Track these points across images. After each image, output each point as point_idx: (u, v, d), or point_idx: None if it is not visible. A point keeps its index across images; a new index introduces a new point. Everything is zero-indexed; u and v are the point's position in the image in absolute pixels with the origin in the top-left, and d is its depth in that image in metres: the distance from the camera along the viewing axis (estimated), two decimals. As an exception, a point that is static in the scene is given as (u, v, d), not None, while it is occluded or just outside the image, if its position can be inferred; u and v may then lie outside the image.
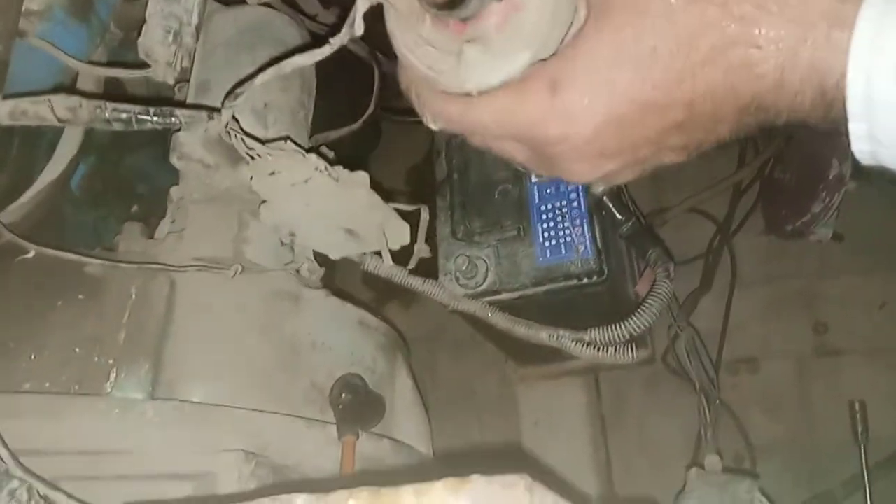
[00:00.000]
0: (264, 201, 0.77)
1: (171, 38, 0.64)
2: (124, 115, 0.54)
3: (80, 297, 0.74)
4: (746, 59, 0.39)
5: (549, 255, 0.98)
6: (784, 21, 0.38)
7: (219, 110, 0.58)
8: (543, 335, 0.87)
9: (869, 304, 1.39)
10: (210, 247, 0.80)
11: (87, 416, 0.67)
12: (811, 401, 1.38)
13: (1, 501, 0.55)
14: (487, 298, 0.97)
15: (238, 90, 0.57)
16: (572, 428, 1.40)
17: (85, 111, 0.54)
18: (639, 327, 0.85)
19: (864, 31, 0.36)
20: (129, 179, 0.96)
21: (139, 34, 0.73)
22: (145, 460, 0.67)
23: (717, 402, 1.20)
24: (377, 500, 0.35)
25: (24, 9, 0.65)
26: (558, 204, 1.00)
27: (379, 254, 0.84)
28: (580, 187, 0.98)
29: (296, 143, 0.72)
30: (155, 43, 0.64)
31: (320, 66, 0.92)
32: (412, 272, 0.88)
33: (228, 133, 0.63)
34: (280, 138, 0.70)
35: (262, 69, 0.52)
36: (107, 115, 0.54)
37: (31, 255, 0.73)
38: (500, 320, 0.89)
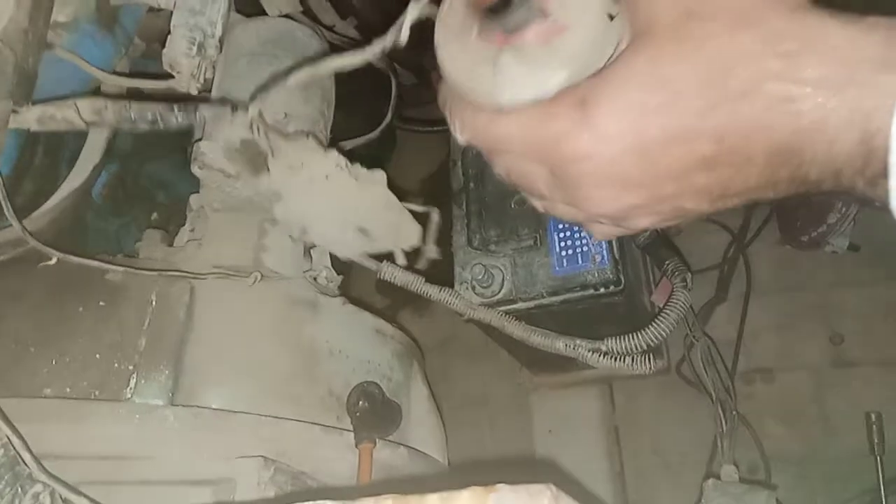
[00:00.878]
0: (278, 197, 0.77)
1: (195, 49, 0.65)
2: (149, 115, 0.55)
3: (101, 303, 0.75)
4: (785, 96, 0.37)
5: (565, 265, 0.98)
6: (828, 60, 0.36)
7: (244, 104, 0.59)
8: (560, 344, 0.87)
9: (885, 315, 1.38)
10: (229, 254, 0.81)
11: (109, 421, 0.67)
12: (827, 412, 1.37)
13: (25, 505, 0.55)
14: (503, 308, 0.97)
15: (268, 85, 0.57)
16: (586, 437, 1.40)
17: (110, 112, 0.55)
18: (656, 337, 0.85)
19: None
20: (149, 187, 0.98)
21: (162, 45, 0.74)
22: (165, 466, 0.68)
23: (734, 412, 1.19)
24: (403, 508, 0.35)
25: (51, 20, 0.66)
26: (574, 213, 1.00)
27: (391, 255, 0.85)
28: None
29: (317, 138, 0.73)
30: (179, 54, 0.65)
31: (338, 76, 0.94)
32: (428, 280, 0.89)
33: (253, 128, 0.64)
34: (303, 133, 0.70)
35: (300, 65, 0.53)
36: (132, 114, 0.55)
37: (53, 261, 0.74)
38: (517, 329, 0.89)
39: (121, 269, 0.74)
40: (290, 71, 0.56)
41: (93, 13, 0.72)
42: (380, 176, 0.74)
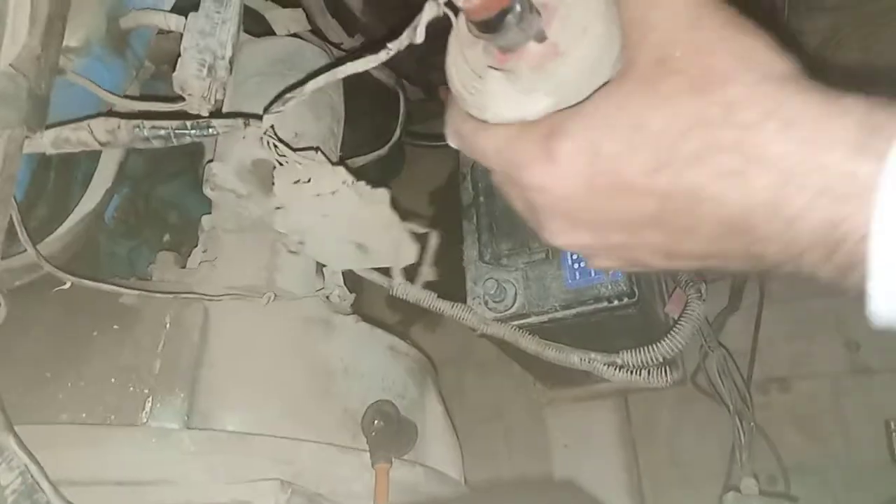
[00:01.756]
0: (280, 207, 0.77)
1: (205, 71, 0.65)
2: (163, 132, 0.55)
3: (116, 326, 0.75)
4: (735, 169, 0.35)
5: (577, 278, 0.97)
6: (792, 137, 0.34)
7: (256, 116, 0.59)
8: (575, 358, 0.86)
9: (902, 321, 1.37)
10: (242, 275, 0.81)
11: (125, 446, 0.67)
12: (845, 420, 1.35)
13: (44, 533, 0.55)
14: (516, 322, 0.96)
15: (287, 96, 0.57)
16: (603, 450, 1.39)
17: (124, 132, 0.55)
18: (672, 349, 0.84)
19: None
20: (160, 209, 0.98)
21: (171, 66, 0.74)
22: (182, 490, 0.67)
23: (752, 423, 1.18)
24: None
25: (63, 45, 0.66)
26: (586, 226, 0.99)
27: (387, 271, 0.85)
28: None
29: (325, 154, 0.73)
30: (190, 76, 0.65)
31: (348, 92, 0.94)
32: (440, 296, 0.88)
33: (264, 141, 0.64)
34: (311, 148, 0.71)
35: (312, 76, 0.53)
36: (145, 132, 0.55)
37: (67, 285, 0.74)
38: (531, 344, 0.89)
39: (135, 292, 0.74)
40: (305, 81, 0.56)
41: (104, 37, 0.73)
42: (383, 194, 0.74)
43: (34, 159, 0.77)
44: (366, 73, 1.16)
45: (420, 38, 0.48)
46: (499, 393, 1.51)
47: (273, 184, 0.72)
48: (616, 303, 0.95)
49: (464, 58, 0.46)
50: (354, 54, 0.99)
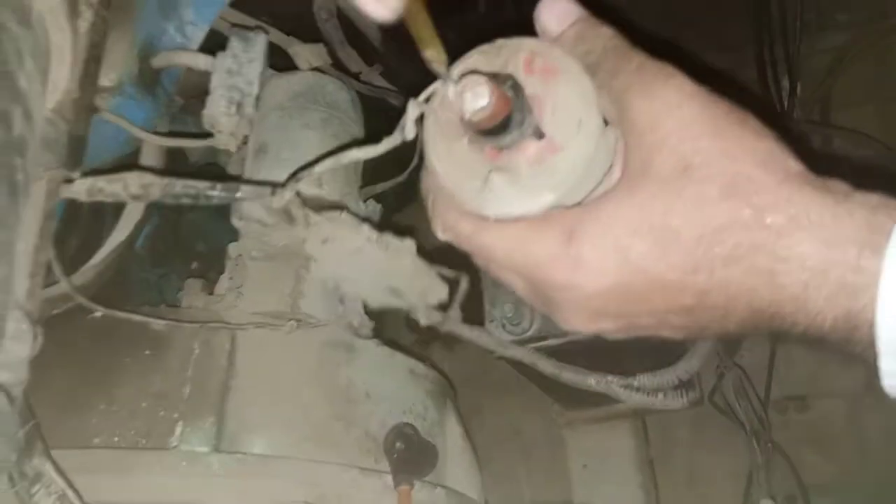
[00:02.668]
0: (314, 259, 0.79)
1: (234, 108, 0.68)
2: (192, 191, 0.58)
3: (146, 352, 0.77)
4: (769, 268, 0.39)
5: (594, 301, 0.98)
6: (814, 239, 0.38)
7: (281, 185, 0.62)
8: (591, 381, 0.87)
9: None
10: (268, 302, 0.83)
11: (156, 469, 0.69)
12: (864, 438, 1.35)
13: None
14: (534, 344, 0.98)
15: (299, 175, 0.60)
16: (621, 471, 1.39)
17: (156, 189, 0.57)
18: (688, 371, 0.85)
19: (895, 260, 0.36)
20: (188, 238, 1.00)
21: (200, 100, 0.77)
22: (211, 512, 0.69)
23: (769, 443, 1.18)
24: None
25: (97, 85, 0.70)
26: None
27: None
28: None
29: (350, 211, 0.75)
30: (219, 114, 0.68)
31: (367, 120, 0.96)
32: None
33: (292, 209, 0.67)
34: (337, 208, 0.73)
35: (321, 158, 0.56)
36: (177, 190, 0.57)
37: (99, 313, 0.77)
38: (548, 367, 0.90)
39: (162, 322, 0.77)
40: (319, 160, 0.58)
41: (136, 76, 0.76)
42: (409, 246, 0.76)
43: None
44: (383, 101, 1.18)
45: (410, 135, 0.48)
46: (517, 413, 1.52)
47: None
48: (632, 325, 0.96)
49: (451, 151, 0.46)
50: (372, 91, 1.02)
